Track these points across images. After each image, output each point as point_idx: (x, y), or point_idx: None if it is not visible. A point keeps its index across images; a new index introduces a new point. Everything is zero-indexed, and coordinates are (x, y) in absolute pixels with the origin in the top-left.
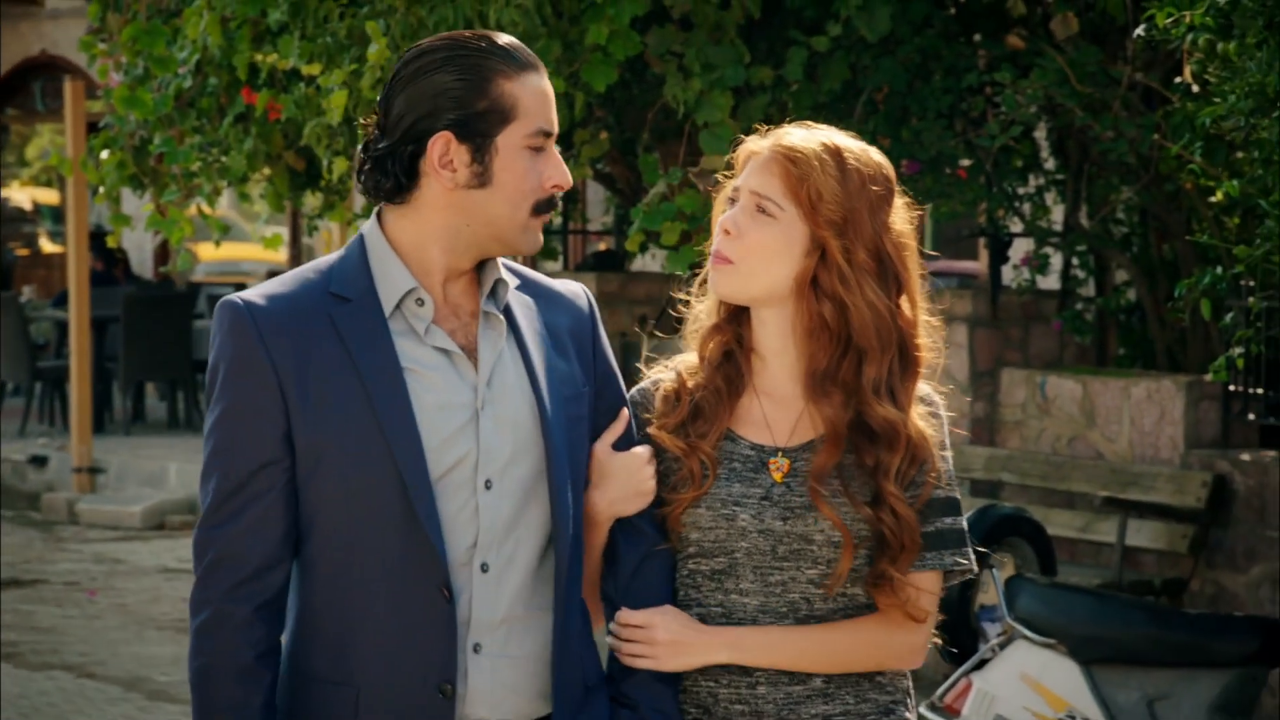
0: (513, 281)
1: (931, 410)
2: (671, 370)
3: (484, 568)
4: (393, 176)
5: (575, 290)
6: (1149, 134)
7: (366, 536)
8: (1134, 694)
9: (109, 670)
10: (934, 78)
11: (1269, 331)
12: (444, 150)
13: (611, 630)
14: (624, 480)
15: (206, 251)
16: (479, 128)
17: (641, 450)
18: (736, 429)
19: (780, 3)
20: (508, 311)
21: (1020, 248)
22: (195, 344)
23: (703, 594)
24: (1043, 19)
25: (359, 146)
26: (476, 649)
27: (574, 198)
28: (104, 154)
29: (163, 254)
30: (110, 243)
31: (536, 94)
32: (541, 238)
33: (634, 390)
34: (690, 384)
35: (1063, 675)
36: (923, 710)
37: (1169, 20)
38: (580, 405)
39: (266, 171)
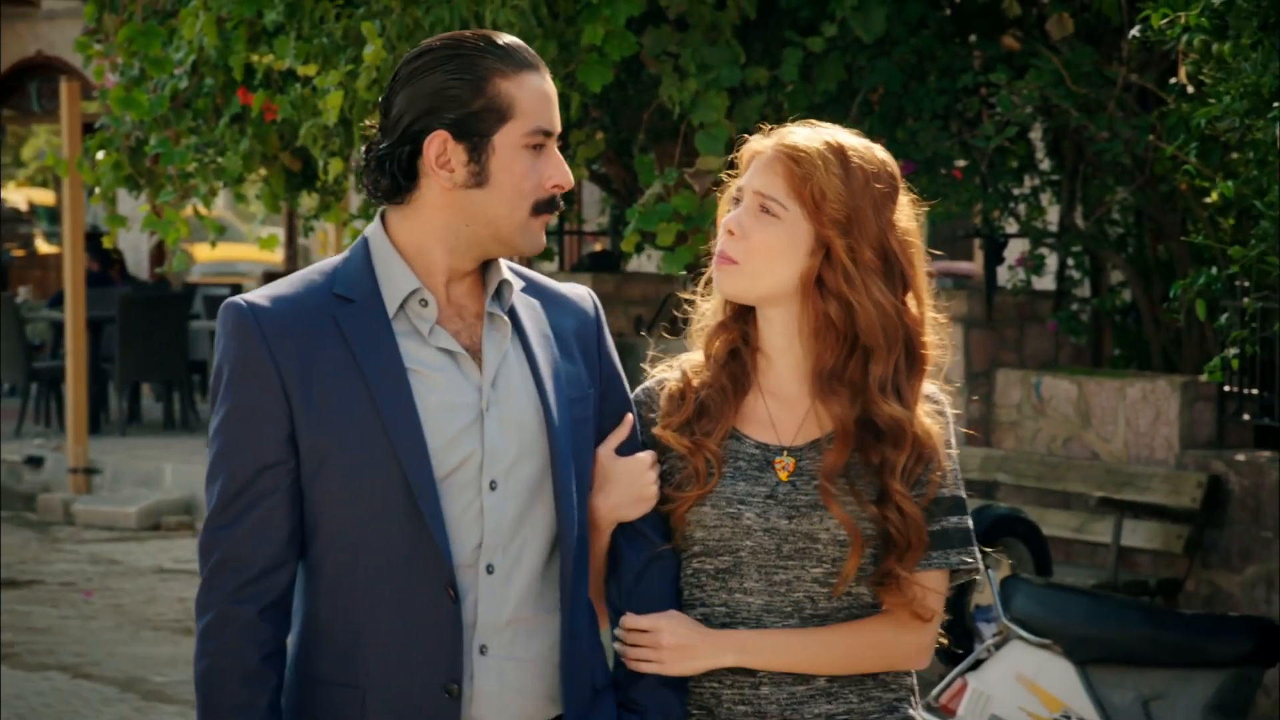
0: (518, 284)
1: (937, 409)
2: (676, 369)
3: (490, 569)
4: (392, 177)
5: (581, 293)
6: (1144, 135)
7: (371, 537)
8: (1129, 694)
9: (105, 671)
10: (929, 78)
11: (1264, 332)
12: (441, 150)
13: (617, 635)
14: (626, 485)
15: (202, 252)
16: (476, 127)
17: (644, 456)
18: (741, 428)
19: (775, 3)
20: (512, 313)
21: (1015, 248)
22: (191, 345)
23: (707, 593)
24: (1038, 20)
25: (360, 147)
26: (483, 650)
27: (569, 198)
28: (100, 155)
29: (158, 255)
30: (106, 243)
31: (535, 93)
32: (544, 238)
33: (639, 389)
34: (695, 382)
35: (1058, 675)
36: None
37: (1164, 21)
38: (585, 407)
39: (262, 172)
